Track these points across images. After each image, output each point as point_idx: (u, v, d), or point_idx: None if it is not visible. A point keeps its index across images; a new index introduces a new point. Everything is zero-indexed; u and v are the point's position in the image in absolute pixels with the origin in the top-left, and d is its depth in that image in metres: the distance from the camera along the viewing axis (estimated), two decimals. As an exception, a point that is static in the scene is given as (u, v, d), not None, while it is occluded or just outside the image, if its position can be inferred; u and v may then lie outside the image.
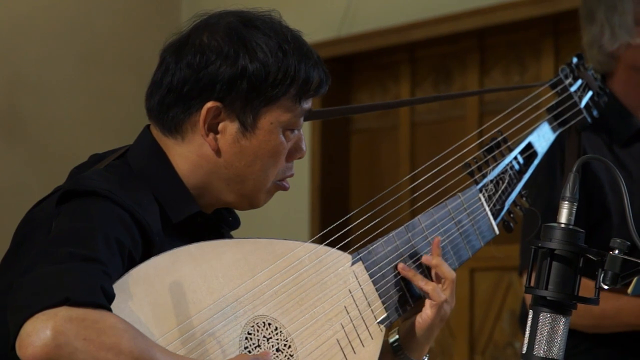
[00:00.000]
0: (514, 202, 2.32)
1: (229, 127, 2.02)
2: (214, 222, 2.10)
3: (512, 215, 2.33)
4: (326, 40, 5.94)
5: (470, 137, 2.41)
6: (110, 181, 1.95)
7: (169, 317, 1.87)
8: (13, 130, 6.34)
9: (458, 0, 5.51)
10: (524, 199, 2.33)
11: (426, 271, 2.18)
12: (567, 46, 5.28)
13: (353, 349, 2.06)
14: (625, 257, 1.78)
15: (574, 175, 1.80)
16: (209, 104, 2.00)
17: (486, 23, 5.39)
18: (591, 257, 1.79)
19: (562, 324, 1.78)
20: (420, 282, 2.15)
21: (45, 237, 1.88)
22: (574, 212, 1.80)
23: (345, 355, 2.05)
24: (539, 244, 1.78)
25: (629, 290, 2.67)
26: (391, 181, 5.71)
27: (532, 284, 1.80)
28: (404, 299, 2.15)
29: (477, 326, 5.31)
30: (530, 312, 1.79)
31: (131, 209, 1.91)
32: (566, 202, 1.80)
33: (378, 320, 2.10)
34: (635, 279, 2.52)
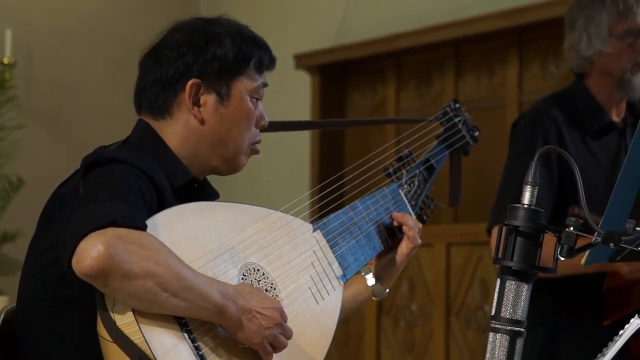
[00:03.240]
0: (424, 202, 2.53)
1: (209, 99, 2.12)
2: (202, 192, 2.18)
3: (423, 211, 2.54)
4: (324, 48, 5.94)
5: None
6: (124, 152, 2.02)
7: (183, 255, 1.91)
8: (57, 126, 6.34)
9: (437, 14, 5.50)
10: (430, 199, 2.55)
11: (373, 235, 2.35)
12: (529, 54, 5.28)
13: (322, 296, 2.16)
14: (579, 233, 1.78)
15: (535, 163, 1.81)
16: (191, 81, 2.11)
17: (461, 34, 5.39)
18: (550, 233, 1.79)
19: (525, 290, 1.77)
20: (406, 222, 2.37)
21: (76, 201, 1.92)
22: (536, 194, 1.80)
23: (316, 300, 2.15)
24: (506, 222, 1.78)
25: (582, 261, 2.66)
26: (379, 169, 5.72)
27: (499, 256, 1.79)
28: (355, 262, 2.27)
29: (453, 292, 5.31)
30: (498, 280, 1.79)
31: (146, 170, 1.97)
32: (528, 186, 1.79)
33: (337, 276, 2.21)
34: (587, 252, 2.51)
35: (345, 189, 2.33)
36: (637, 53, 3.03)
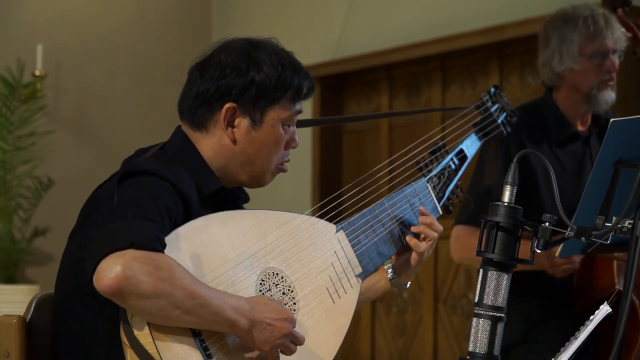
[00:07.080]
0: (452, 192, 2.38)
1: (243, 122, 2.05)
2: (233, 197, 2.12)
3: (450, 201, 2.38)
4: (324, 62, 5.93)
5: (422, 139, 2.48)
6: (157, 164, 1.96)
7: (204, 264, 1.88)
8: (83, 132, 6.34)
9: (425, 31, 5.50)
10: (459, 189, 2.40)
11: (395, 233, 2.23)
12: (509, 67, 5.27)
13: (338, 295, 2.08)
14: (554, 228, 1.77)
15: (514, 165, 1.80)
16: (228, 105, 2.03)
17: (447, 49, 5.38)
18: (527, 228, 1.78)
19: (505, 279, 1.76)
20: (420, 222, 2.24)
21: (109, 207, 1.89)
22: (515, 193, 1.79)
23: (333, 300, 2.07)
24: (488, 218, 1.78)
25: (557, 253, 2.66)
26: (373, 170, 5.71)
27: (482, 249, 1.79)
28: (376, 259, 2.17)
29: (440, 282, 5.31)
30: (481, 270, 1.78)
31: (175, 183, 1.92)
32: (508, 186, 1.79)
33: (356, 274, 2.12)
34: (561, 245, 2.51)
35: (344, 200, 2.23)
36: (604, 72, 3.03)
